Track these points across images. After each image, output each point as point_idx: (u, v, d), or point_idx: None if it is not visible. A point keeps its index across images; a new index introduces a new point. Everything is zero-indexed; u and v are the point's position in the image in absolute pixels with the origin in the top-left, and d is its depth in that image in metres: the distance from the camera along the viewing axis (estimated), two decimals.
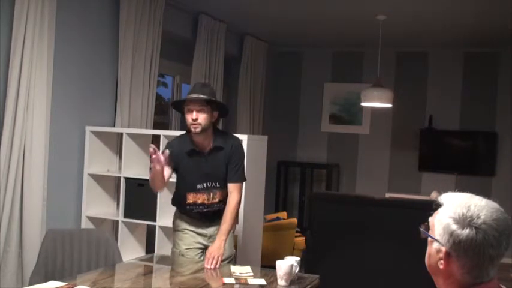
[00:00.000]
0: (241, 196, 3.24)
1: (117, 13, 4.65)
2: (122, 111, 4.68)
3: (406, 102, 7.27)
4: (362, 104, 6.16)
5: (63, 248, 2.90)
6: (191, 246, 3.23)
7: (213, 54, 6.06)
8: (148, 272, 2.95)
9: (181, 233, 3.27)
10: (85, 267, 2.93)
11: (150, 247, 4.63)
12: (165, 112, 6.49)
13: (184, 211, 3.26)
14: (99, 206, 4.58)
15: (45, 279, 2.58)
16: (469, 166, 7.12)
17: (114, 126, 4.72)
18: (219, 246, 3.03)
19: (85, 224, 4.46)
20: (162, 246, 4.35)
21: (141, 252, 4.57)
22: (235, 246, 3.75)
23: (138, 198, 4.35)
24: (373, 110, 7.37)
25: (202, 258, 3.20)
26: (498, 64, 7.02)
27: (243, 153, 3.28)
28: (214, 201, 3.21)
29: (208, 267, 2.93)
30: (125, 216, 4.39)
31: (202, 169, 3.14)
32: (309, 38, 7.18)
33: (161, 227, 4.32)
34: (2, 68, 3.72)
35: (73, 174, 4.43)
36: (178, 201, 3.30)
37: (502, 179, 6.93)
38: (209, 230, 3.26)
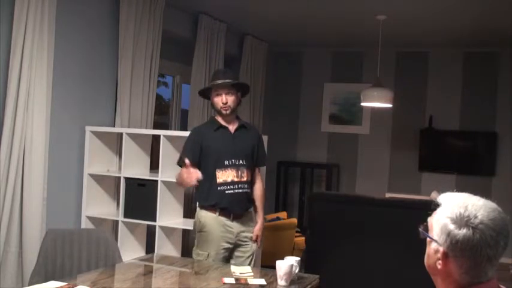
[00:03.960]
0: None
1: (117, 13, 4.65)
2: (122, 111, 4.68)
3: (406, 102, 7.26)
4: (362, 104, 6.16)
5: (63, 248, 2.90)
6: (220, 249, 3.34)
7: (213, 54, 6.06)
8: (148, 272, 2.95)
9: (206, 234, 3.35)
10: (85, 267, 2.93)
11: (150, 247, 4.63)
12: (165, 112, 6.49)
13: (215, 200, 3.32)
14: (99, 206, 4.58)
15: (45, 279, 2.58)
16: (469, 166, 7.12)
17: (114, 126, 4.72)
18: (260, 228, 3.47)
19: (85, 224, 4.46)
20: (162, 246, 4.35)
21: (141, 252, 4.57)
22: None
23: (138, 198, 4.35)
24: (373, 110, 7.36)
25: (226, 257, 3.39)
26: (498, 64, 7.01)
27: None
28: (243, 179, 3.34)
29: (257, 246, 3.44)
30: (125, 216, 4.39)
31: (229, 144, 3.36)
32: (309, 38, 7.17)
33: (161, 227, 4.32)
34: (2, 68, 3.72)
35: (73, 174, 4.43)
36: (206, 189, 3.34)
37: (502, 179, 6.93)
38: (235, 226, 3.36)
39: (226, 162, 3.32)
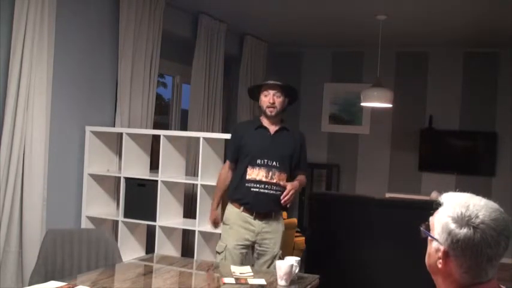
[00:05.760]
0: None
1: (117, 13, 4.65)
2: (122, 111, 4.68)
3: (406, 102, 7.26)
4: (362, 104, 6.16)
5: (63, 248, 2.90)
6: (238, 243, 3.35)
7: (213, 54, 6.06)
8: (148, 272, 2.95)
9: (228, 227, 3.39)
10: (85, 267, 2.93)
11: (150, 247, 4.63)
12: (165, 112, 6.49)
13: (240, 195, 3.36)
14: (99, 206, 4.58)
15: (45, 279, 2.57)
16: (469, 166, 7.11)
17: (114, 126, 4.72)
18: (295, 184, 3.34)
19: (85, 224, 4.46)
20: (162, 246, 4.35)
21: (141, 252, 4.57)
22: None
23: (138, 198, 4.35)
24: (373, 110, 7.36)
25: (246, 256, 3.39)
26: (498, 64, 7.01)
27: (306, 144, 3.55)
28: (272, 181, 3.32)
29: (282, 200, 3.29)
30: (125, 216, 4.39)
31: (265, 144, 3.36)
32: (309, 38, 7.17)
33: (161, 227, 4.32)
34: (2, 68, 3.72)
35: (73, 174, 4.42)
36: (236, 183, 3.41)
37: (502, 179, 6.93)
38: (257, 225, 3.35)
39: (258, 161, 3.33)
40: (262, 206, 3.33)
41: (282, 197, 3.29)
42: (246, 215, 3.35)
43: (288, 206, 3.36)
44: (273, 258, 3.35)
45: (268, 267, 3.32)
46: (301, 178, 3.46)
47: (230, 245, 3.35)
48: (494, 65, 7.03)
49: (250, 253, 3.46)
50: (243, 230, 3.35)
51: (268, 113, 3.37)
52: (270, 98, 3.34)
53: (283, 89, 3.38)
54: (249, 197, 3.33)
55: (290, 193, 3.28)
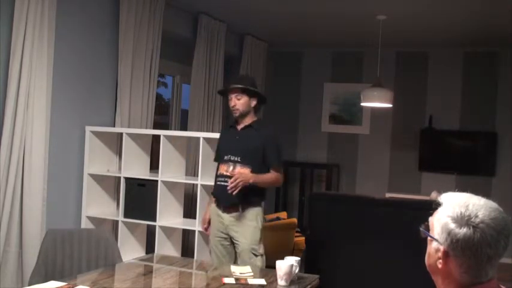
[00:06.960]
0: (281, 178, 3.57)
1: (117, 13, 4.65)
2: (122, 111, 4.68)
3: (406, 102, 7.26)
4: (362, 104, 6.16)
5: (63, 248, 2.90)
6: (215, 235, 3.60)
7: (213, 54, 6.06)
8: (148, 272, 2.95)
9: (211, 221, 3.66)
10: (85, 267, 2.93)
11: (150, 247, 4.63)
12: (165, 112, 6.49)
13: (213, 189, 3.65)
14: (99, 206, 4.58)
15: (45, 279, 2.57)
16: (469, 166, 7.11)
17: (114, 126, 4.72)
18: (245, 173, 3.41)
19: (85, 224, 4.46)
20: (162, 246, 4.35)
21: (141, 252, 4.57)
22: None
23: (138, 198, 4.35)
24: (373, 110, 7.36)
25: (226, 252, 3.58)
26: (498, 64, 7.01)
27: (277, 142, 3.61)
28: (233, 174, 3.46)
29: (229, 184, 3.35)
30: (125, 216, 4.39)
31: (231, 141, 3.59)
32: (309, 38, 7.17)
33: (161, 227, 4.32)
34: (2, 68, 3.72)
35: (73, 174, 4.42)
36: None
37: (502, 179, 6.93)
38: (225, 218, 3.54)
39: (225, 157, 3.56)
40: (223, 198, 3.51)
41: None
42: (217, 209, 3.58)
43: (233, 193, 3.36)
44: (245, 253, 3.46)
45: (243, 261, 3.41)
46: (270, 174, 3.53)
47: (211, 237, 3.62)
48: (494, 65, 7.03)
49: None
50: (216, 223, 3.58)
51: (233, 114, 3.58)
52: (231, 101, 3.54)
53: (245, 90, 3.52)
54: (216, 190, 3.60)
55: (236, 180, 3.33)
